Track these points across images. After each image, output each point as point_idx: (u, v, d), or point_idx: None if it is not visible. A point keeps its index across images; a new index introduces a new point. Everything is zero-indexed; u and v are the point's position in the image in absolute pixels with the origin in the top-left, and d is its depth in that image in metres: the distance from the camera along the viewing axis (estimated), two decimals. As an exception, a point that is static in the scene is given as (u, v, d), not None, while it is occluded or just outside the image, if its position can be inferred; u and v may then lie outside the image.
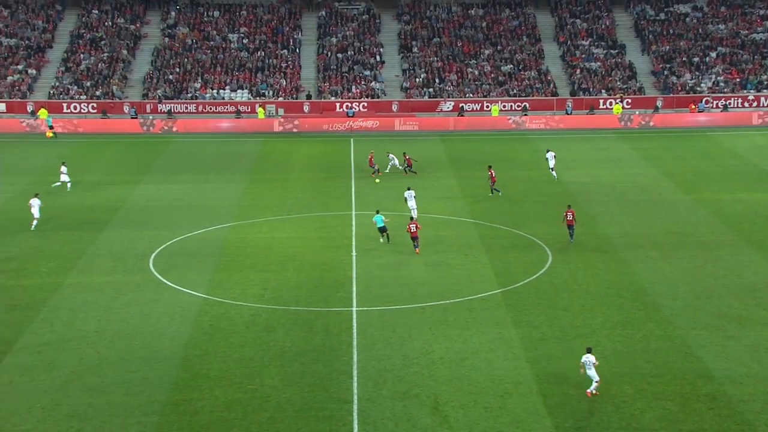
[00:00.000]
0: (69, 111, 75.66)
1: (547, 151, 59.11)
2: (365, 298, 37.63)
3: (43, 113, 73.79)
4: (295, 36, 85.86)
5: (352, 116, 76.80)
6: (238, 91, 79.26)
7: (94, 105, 76.14)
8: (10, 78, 77.67)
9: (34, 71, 78.99)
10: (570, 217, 44.48)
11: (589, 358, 28.87)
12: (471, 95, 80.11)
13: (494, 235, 45.92)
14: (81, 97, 76.81)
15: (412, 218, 45.30)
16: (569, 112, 78.86)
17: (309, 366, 31.34)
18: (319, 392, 29.43)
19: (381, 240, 44.50)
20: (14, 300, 36.83)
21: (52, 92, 77.02)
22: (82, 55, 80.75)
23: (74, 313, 35.75)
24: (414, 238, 43.18)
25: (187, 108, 77.24)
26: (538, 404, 28.56)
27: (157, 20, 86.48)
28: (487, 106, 78.79)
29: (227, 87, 79.52)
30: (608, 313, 35.58)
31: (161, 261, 41.86)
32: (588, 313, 35.68)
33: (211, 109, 77.61)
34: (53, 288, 38.28)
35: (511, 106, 79.23)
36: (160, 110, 76.33)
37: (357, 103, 78.25)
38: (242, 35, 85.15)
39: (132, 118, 75.18)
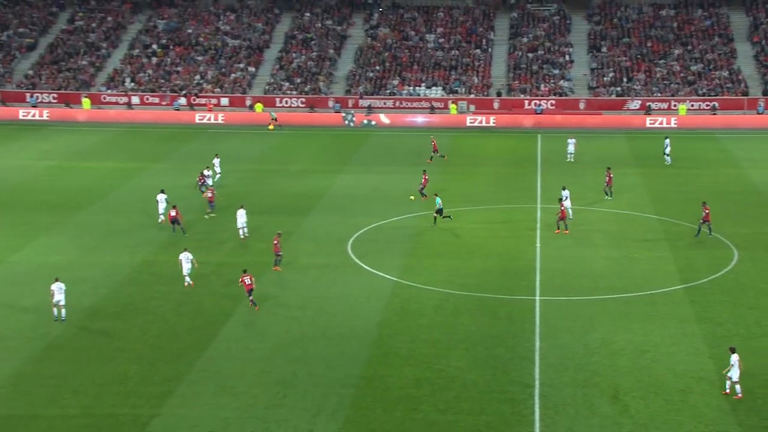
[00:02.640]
0: (281, 105, 78.65)
1: (666, 138, 59.70)
2: (548, 288, 37.09)
3: (258, 107, 77.08)
4: (488, 36, 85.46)
5: (540, 113, 75.69)
6: (433, 88, 79.80)
7: (303, 100, 78.76)
8: (233, 75, 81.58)
9: (253, 69, 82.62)
10: (705, 213, 42.50)
11: (734, 358, 27.25)
12: (659, 94, 77.12)
13: (678, 232, 44.09)
14: (292, 92, 79.63)
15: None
16: (760, 112, 74.39)
17: (493, 350, 31.26)
18: (502, 375, 29.30)
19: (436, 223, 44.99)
20: (232, 275, 38.51)
21: (267, 88, 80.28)
22: (294, 54, 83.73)
23: (281, 290, 37.19)
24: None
25: (385, 103, 78.50)
26: (721, 400, 27.26)
27: (361, 22, 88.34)
28: (675, 105, 75.58)
29: (423, 84, 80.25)
30: (795, 315, 33.46)
31: (358, 246, 42.82)
32: (774, 313, 33.68)
33: (407, 104, 78.52)
34: (260, 266, 39.89)
35: (700, 105, 75.63)
36: (361, 105, 78.02)
37: (545, 101, 77.02)
38: (438, 35, 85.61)
39: (336, 112, 77.24)
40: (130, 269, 39.44)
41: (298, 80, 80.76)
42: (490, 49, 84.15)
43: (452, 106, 76.51)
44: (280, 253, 39.28)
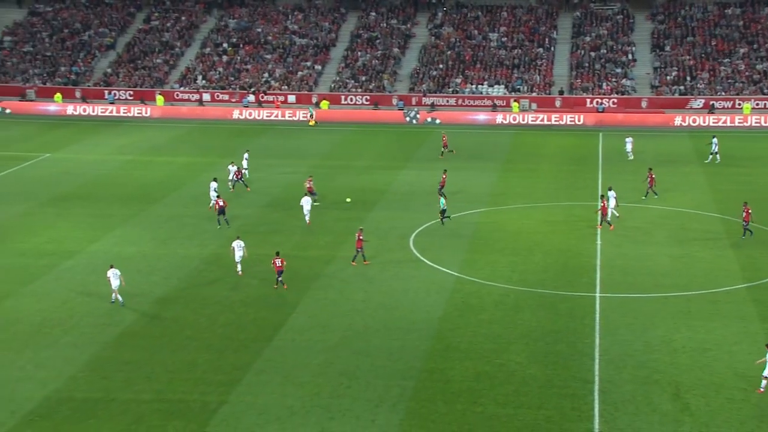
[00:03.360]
0: (346, 102, 78.96)
1: (713, 137, 59.06)
2: (608, 285, 36.58)
3: (324, 104, 77.51)
4: (551, 35, 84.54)
5: (602, 111, 74.63)
6: (495, 86, 79.28)
7: (367, 97, 78.93)
8: (300, 73, 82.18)
9: (319, 67, 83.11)
10: (745, 214, 41.56)
11: None
12: (723, 93, 75.36)
13: (741, 231, 43.02)
14: (356, 90, 79.88)
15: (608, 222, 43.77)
16: (826, 111, 72.24)
17: (553, 345, 30.97)
18: (562, 371, 29.01)
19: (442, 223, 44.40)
20: (297, 268, 38.99)
21: (332, 86, 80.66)
22: (359, 53, 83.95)
23: (345, 284, 37.36)
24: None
25: (447, 101, 78.25)
26: (782, 401, 26.61)
27: (425, 21, 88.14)
28: (739, 104, 73.77)
29: (485, 82, 79.77)
30: None
31: (420, 240, 42.78)
32: (839, 314, 32.68)
33: (469, 102, 78.15)
34: (328, 260, 40.18)
35: (765, 104, 73.70)
36: (424, 103, 77.88)
37: (607, 99, 75.90)
38: (501, 34, 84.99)
39: (399, 109, 77.24)
40: (200, 261, 40.04)
41: (363, 78, 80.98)
42: (552, 48, 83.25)
43: (514, 104, 75.88)
44: (361, 249, 39.08)
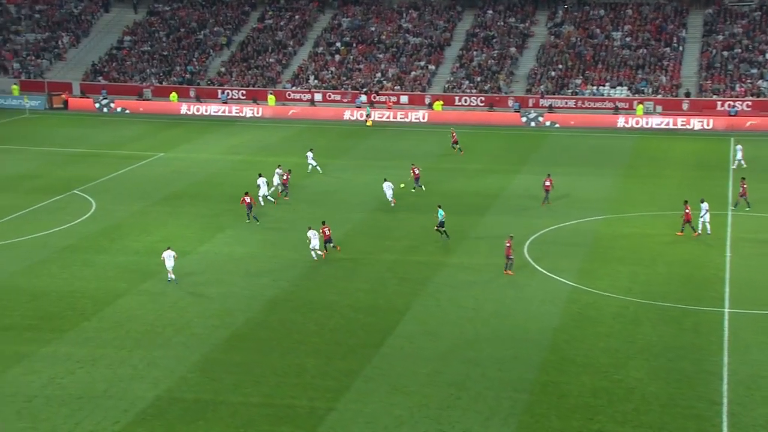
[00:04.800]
0: (460, 104, 78.85)
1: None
2: (738, 300, 35.33)
3: (437, 105, 77.62)
4: (680, 34, 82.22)
5: (734, 115, 72.10)
6: (618, 87, 77.67)
7: (482, 99, 78.61)
8: (413, 73, 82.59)
9: (433, 67, 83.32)
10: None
11: None
12: None
13: None
14: (471, 91, 79.68)
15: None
16: None
17: (676, 362, 30.14)
18: (686, 390, 28.20)
19: (441, 237, 43.28)
20: (406, 274, 39.27)
21: (446, 86, 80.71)
22: (474, 53, 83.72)
23: (455, 291, 37.33)
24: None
25: (566, 103, 77.15)
26: None
27: (545, 19, 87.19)
28: None
29: (607, 84, 78.25)
30: None
31: (535, 248, 42.35)
32: None
33: (589, 104, 76.81)
34: (438, 266, 40.24)
35: None
36: (541, 105, 77.02)
37: (740, 102, 73.26)
38: (626, 33, 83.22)
39: (515, 111, 76.64)
40: (309, 264, 40.71)
41: (478, 79, 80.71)
42: (681, 48, 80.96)
43: (638, 106, 74.19)
44: (511, 257, 38.90)
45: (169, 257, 38.16)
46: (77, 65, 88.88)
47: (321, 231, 41.17)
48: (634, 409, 27.15)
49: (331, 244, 41.42)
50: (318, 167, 56.91)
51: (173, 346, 32.05)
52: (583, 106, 76.71)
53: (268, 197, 50.18)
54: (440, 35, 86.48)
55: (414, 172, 52.75)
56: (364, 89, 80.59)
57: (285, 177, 51.90)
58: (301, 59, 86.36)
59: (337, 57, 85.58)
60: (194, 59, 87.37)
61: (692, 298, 35.77)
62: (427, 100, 79.18)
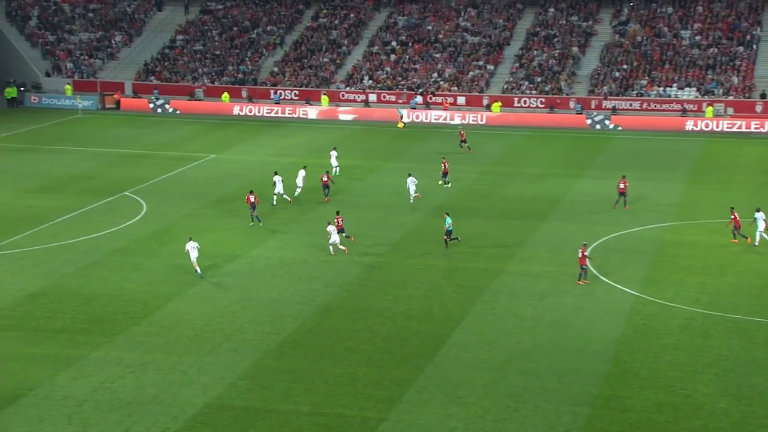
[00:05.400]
0: (519, 105, 78.40)
1: None
2: (814, 314, 34.52)
3: (496, 107, 77.31)
4: (754, 32, 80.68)
5: (810, 117, 70.63)
6: (686, 89, 76.51)
7: (542, 100, 78.08)
8: (471, 73, 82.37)
9: (491, 67, 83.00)
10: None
11: None
12: None
13: None
14: (531, 92, 79.18)
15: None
16: None
17: (747, 378, 29.57)
18: (758, 407, 27.65)
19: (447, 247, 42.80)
20: (462, 281, 39.15)
21: (505, 87, 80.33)
22: (535, 52, 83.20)
23: (513, 299, 37.11)
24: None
25: (631, 105, 76.22)
26: None
27: (609, 18, 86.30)
28: None
29: (674, 84, 77.13)
30: None
31: (597, 255, 41.86)
32: None
33: (655, 106, 75.80)
34: (495, 273, 40.04)
35: None
36: (605, 107, 76.22)
37: (817, 103, 71.74)
38: (695, 31, 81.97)
39: (577, 113, 75.95)
40: (361, 269, 40.83)
41: (539, 79, 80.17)
42: (755, 46, 79.44)
43: (708, 108, 73.00)
44: (585, 266, 38.42)
45: (192, 248, 39.50)
46: (129, 65, 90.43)
47: (335, 221, 42.97)
48: (702, 426, 26.69)
49: (344, 234, 42.99)
50: (337, 168, 57.09)
51: (223, 352, 32.37)
52: (649, 108, 75.73)
53: (284, 196, 50.95)
54: (499, 34, 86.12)
55: (444, 165, 54.32)
56: (420, 90, 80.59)
57: (325, 178, 52.37)
58: (355, 59, 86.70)
59: (393, 57, 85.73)
60: (247, 59, 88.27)
61: (764, 311, 35.07)
62: (485, 102, 78.88)
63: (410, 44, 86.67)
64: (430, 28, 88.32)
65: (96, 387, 29.81)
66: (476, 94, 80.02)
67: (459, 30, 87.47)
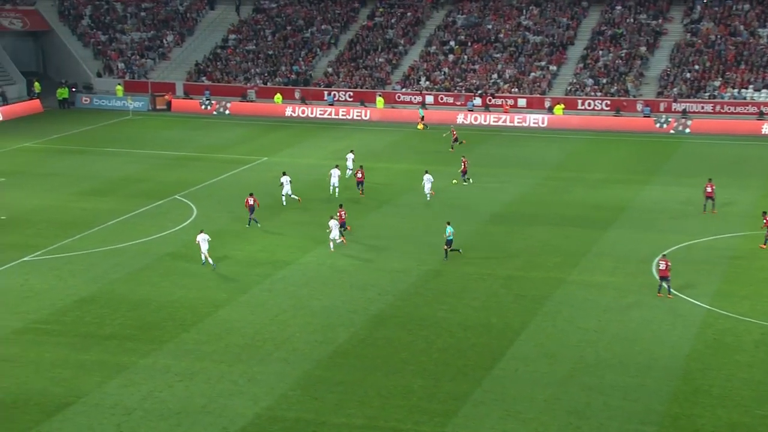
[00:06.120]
0: (583, 108, 77.75)
1: None
2: None
3: (558, 109, 76.76)
4: (833, 30, 79.08)
5: None
6: (763, 90, 75.11)
7: (608, 102, 77.29)
8: (532, 74, 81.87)
9: (554, 67, 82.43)
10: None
11: None
12: None
13: None
14: (596, 93, 78.41)
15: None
16: None
17: (825, 399, 28.82)
18: (836, 430, 26.95)
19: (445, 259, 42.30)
20: (522, 290, 38.89)
21: (568, 89, 79.71)
22: (600, 52, 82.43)
23: (575, 310, 36.75)
24: None
25: (702, 107, 75.07)
26: None
27: (680, 16, 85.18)
28: None
29: (750, 86, 75.79)
30: None
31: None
32: None
33: (729, 109, 74.55)
34: (557, 283, 39.70)
35: None
36: (674, 109, 75.18)
37: None
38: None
39: (645, 116, 75.03)
40: (417, 277, 40.78)
41: (604, 80, 79.39)
42: (836, 45, 77.85)
43: (784, 111, 71.61)
44: (666, 278, 37.71)
45: (203, 240, 41.43)
46: (181, 65, 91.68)
47: (338, 214, 45.05)
48: (776, 449, 26.17)
49: (344, 228, 45.10)
50: (349, 170, 57.31)
51: (274, 362, 32.56)
52: (722, 110, 74.50)
53: (293, 196, 51.90)
54: (563, 33, 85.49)
55: (464, 164, 55.58)
56: (479, 92, 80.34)
57: (359, 174, 53.66)
58: (412, 59, 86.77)
59: (451, 57, 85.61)
60: (300, 59, 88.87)
61: None
62: (547, 104, 78.34)
63: (469, 44, 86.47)
64: (490, 27, 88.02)
65: (145, 395, 30.20)
66: (538, 96, 79.50)
67: (520, 29, 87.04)
